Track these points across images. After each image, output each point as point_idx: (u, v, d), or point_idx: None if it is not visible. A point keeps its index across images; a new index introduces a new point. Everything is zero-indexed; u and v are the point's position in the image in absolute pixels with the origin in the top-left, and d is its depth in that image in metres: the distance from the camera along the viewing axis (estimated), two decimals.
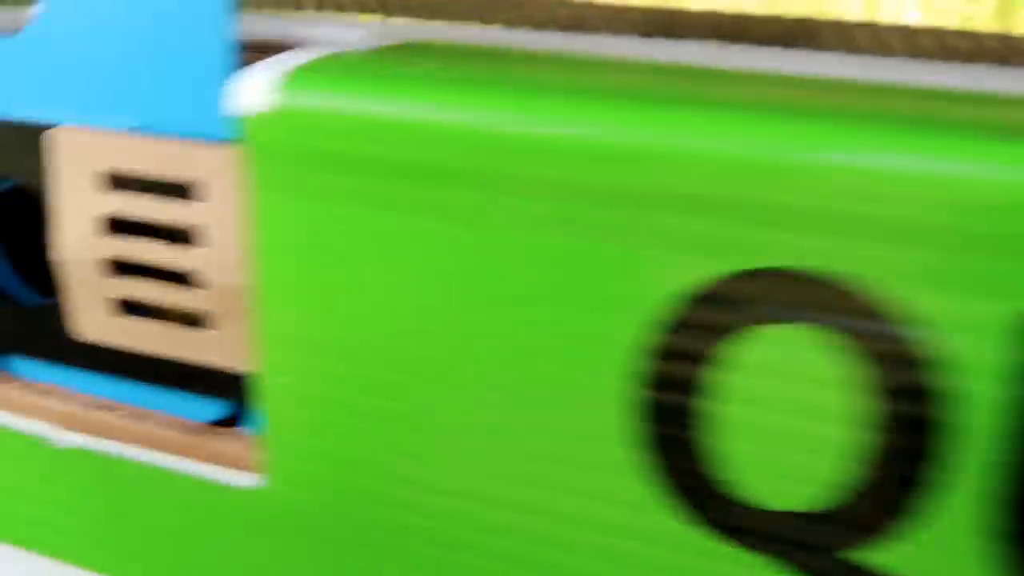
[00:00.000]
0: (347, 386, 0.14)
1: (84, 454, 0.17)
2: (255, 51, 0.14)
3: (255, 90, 0.13)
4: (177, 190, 0.15)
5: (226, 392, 0.16)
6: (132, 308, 0.16)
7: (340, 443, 0.15)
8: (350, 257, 0.13)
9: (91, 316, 0.16)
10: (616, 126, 0.12)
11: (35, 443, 0.17)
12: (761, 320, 0.11)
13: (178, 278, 0.15)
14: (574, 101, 0.12)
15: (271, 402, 0.15)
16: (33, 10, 0.18)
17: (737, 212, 0.11)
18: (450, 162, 0.13)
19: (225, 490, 0.16)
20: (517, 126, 0.12)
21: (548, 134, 0.12)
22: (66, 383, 0.18)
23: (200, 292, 0.15)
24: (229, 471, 0.16)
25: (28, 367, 0.18)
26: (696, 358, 0.12)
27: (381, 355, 0.14)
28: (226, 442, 0.16)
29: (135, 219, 0.15)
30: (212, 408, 0.17)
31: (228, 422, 0.17)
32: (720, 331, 0.11)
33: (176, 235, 0.15)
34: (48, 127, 0.15)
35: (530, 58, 0.16)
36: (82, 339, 0.16)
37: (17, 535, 0.18)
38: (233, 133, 0.14)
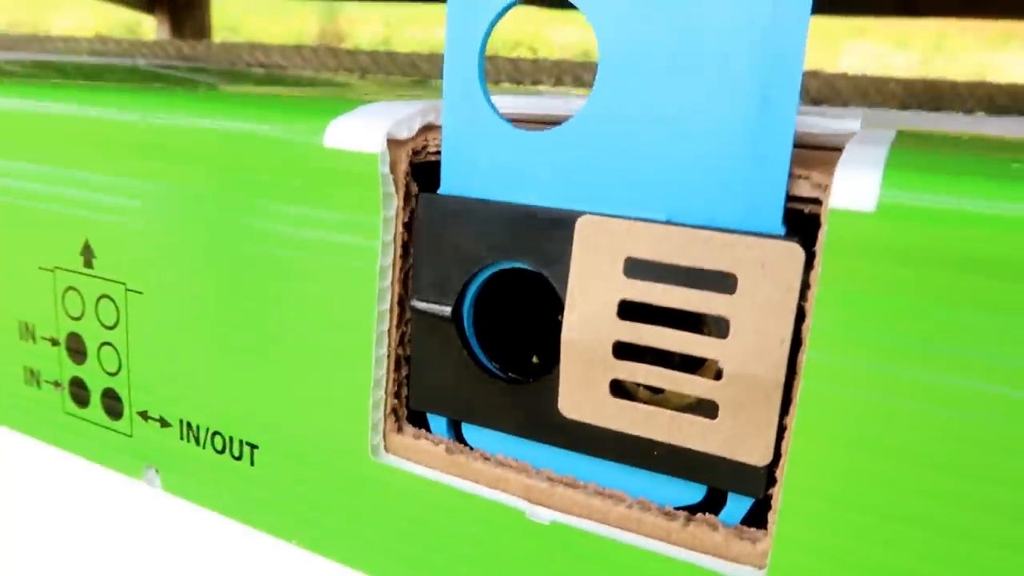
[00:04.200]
0: (887, 489, 0.14)
1: (557, 528, 0.17)
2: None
3: (852, 189, 0.13)
4: (704, 281, 0.15)
5: (705, 478, 0.16)
6: (621, 392, 0.16)
7: (862, 550, 0.14)
8: (924, 358, 0.13)
9: (584, 397, 0.17)
10: None
11: (506, 513, 0.18)
12: None
13: (684, 365, 0.16)
14: None
15: (788, 497, 0.15)
16: (557, 101, 0.19)
17: None
18: None
19: None
20: None
21: None
22: (523, 457, 0.18)
23: (711, 382, 0.15)
24: (721, 562, 0.16)
25: (480, 438, 0.19)
26: None
27: (942, 458, 0.14)
28: (703, 530, 0.16)
29: (654, 305, 0.16)
30: (687, 493, 0.17)
31: (701, 508, 0.17)
32: None
33: (688, 321, 0.16)
34: (572, 216, 0.16)
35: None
36: (566, 418, 0.17)
37: None
38: (772, 227, 0.15)
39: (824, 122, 0.17)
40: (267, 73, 0.54)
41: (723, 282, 0.15)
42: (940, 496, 0.14)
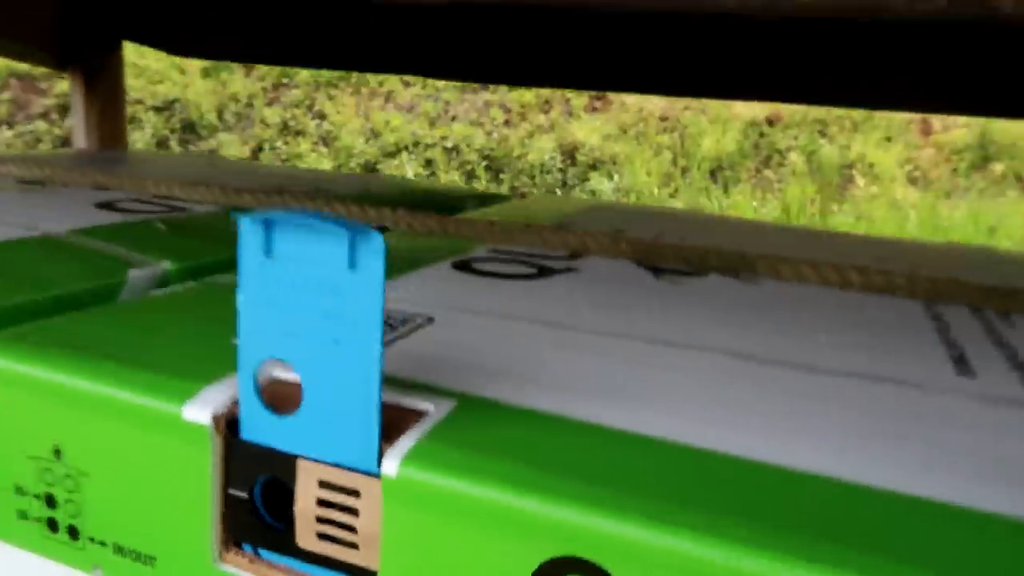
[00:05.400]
0: None
1: None
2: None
3: (386, 459, 0.32)
4: (348, 493, 0.34)
5: None
6: (329, 537, 0.35)
7: None
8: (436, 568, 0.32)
9: (308, 537, 0.35)
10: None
11: None
12: None
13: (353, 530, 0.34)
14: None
15: None
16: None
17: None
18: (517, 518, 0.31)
19: None
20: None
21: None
22: (292, 567, 0.37)
23: (355, 535, 0.34)
24: None
25: (270, 555, 0.37)
26: None
27: None
28: None
29: (331, 502, 0.34)
30: None
31: None
32: None
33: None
34: (295, 457, 0.35)
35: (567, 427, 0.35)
36: (302, 547, 0.35)
37: None
38: (373, 468, 0.34)
39: (412, 401, 0.36)
40: (169, 221, 0.71)
41: (356, 496, 0.34)
42: None
